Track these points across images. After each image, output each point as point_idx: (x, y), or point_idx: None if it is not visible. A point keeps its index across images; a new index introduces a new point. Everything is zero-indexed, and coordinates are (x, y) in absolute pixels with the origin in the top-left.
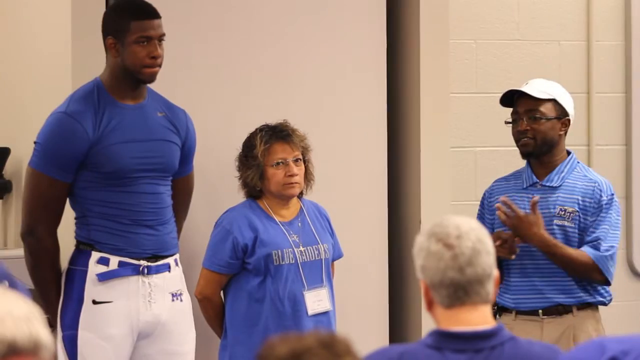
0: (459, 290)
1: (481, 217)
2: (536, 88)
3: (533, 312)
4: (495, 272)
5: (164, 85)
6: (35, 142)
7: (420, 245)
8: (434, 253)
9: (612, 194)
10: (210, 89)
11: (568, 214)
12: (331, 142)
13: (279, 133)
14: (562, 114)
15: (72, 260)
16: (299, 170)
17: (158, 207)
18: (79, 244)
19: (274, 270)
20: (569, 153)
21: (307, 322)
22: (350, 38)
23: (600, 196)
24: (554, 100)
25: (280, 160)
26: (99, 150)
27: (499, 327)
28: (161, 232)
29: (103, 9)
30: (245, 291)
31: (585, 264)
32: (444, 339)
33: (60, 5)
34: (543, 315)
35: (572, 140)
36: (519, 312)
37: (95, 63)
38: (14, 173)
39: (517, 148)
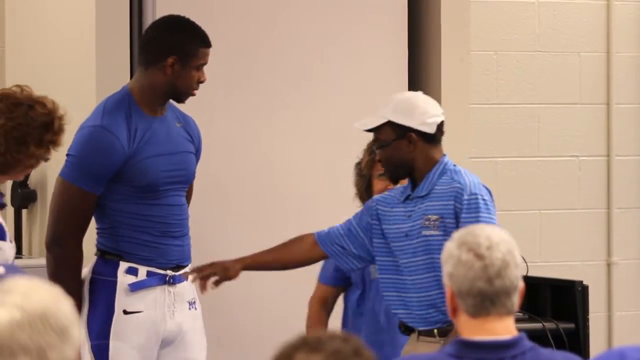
0: (485, 301)
1: (359, 217)
2: (376, 114)
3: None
4: (521, 284)
5: None
6: (68, 154)
7: (450, 253)
8: (464, 262)
9: (476, 193)
10: (234, 97)
11: (432, 222)
12: (352, 153)
13: None
14: (402, 132)
15: (97, 270)
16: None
17: (182, 218)
18: (103, 253)
19: (371, 284)
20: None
21: (401, 337)
22: (371, 50)
23: (462, 196)
24: (389, 122)
25: (383, 172)
26: (133, 164)
27: (520, 337)
28: (184, 243)
29: (127, 20)
30: (350, 306)
31: None
32: (465, 348)
33: (85, 15)
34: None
35: (592, 150)
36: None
37: (119, 73)
38: (39, 182)
39: (539, 159)
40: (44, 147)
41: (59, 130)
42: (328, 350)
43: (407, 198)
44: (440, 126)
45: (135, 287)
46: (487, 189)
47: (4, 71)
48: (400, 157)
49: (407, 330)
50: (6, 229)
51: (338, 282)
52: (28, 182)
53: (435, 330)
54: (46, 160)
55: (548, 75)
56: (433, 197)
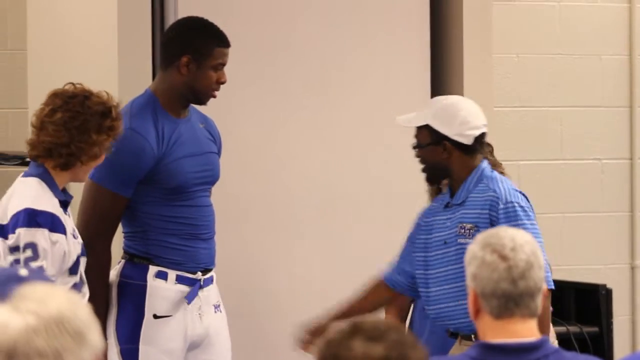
0: (509, 302)
1: (411, 238)
2: (421, 112)
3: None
4: (545, 286)
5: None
6: None
7: (474, 254)
8: (489, 263)
9: (512, 201)
10: (252, 98)
11: (467, 230)
12: (374, 159)
13: None
14: (437, 139)
15: (125, 274)
16: None
17: (210, 220)
18: (132, 257)
19: None
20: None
21: (450, 341)
22: (393, 54)
23: (498, 205)
24: (427, 126)
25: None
26: (163, 166)
27: (543, 340)
28: (211, 246)
29: (149, 23)
30: (417, 308)
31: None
32: (488, 351)
33: (107, 18)
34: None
35: (614, 153)
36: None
37: (141, 76)
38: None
39: (561, 162)
40: (104, 133)
41: (117, 117)
42: (389, 340)
43: (447, 205)
44: (480, 138)
45: (190, 298)
46: (522, 194)
47: (26, 74)
48: (433, 161)
49: (453, 335)
50: (65, 223)
51: None
52: None
53: (473, 336)
54: (109, 151)
55: (570, 78)
56: (468, 205)
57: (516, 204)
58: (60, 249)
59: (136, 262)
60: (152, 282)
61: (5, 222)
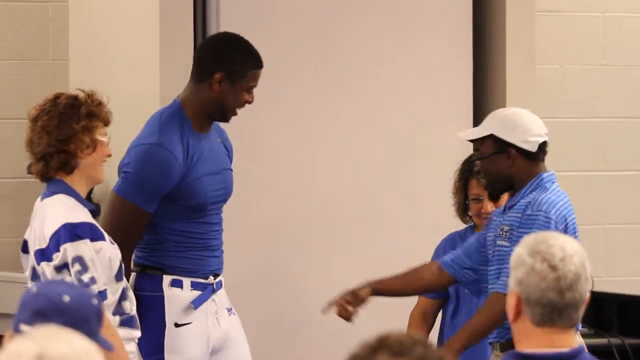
0: (553, 312)
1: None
2: (481, 125)
3: None
4: (587, 296)
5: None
6: (124, 171)
7: (522, 260)
8: (538, 272)
9: (541, 210)
10: (295, 107)
11: (504, 232)
12: (414, 170)
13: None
14: (502, 147)
15: (139, 287)
16: (493, 206)
17: (220, 232)
18: (145, 268)
19: (463, 298)
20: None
21: (489, 352)
22: (435, 65)
23: (527, 209)
24: (491, 135)
25: (474, 197)
26: (185, 184)
27: (579, 349)
28: (220, 253)
29: (190, 32)
30: (445, 318)
31: (495, 307)
32: None
33: (148, 29)
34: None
35: None
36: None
37: (182, 87)
38: (102, 197)
39: (604, 173)
40: (84, 120)
41: (95, 102)
42: (414, 355)
43: (507, 207)
44: (542, 146)
45: (198, 303)
46: (563, 213)
47: (68, 84)
48: (497, 170)
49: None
50: (103, 230)
51: (439, 294)
52: (92, 196)
53: (498, 345)
54: (106, 138)
55: (613, 88)
56: (514, 209)
57: (542, 214)
58: (105, 255)
59: (149, 273)
60: (169, 292)
61: (44, 245)
